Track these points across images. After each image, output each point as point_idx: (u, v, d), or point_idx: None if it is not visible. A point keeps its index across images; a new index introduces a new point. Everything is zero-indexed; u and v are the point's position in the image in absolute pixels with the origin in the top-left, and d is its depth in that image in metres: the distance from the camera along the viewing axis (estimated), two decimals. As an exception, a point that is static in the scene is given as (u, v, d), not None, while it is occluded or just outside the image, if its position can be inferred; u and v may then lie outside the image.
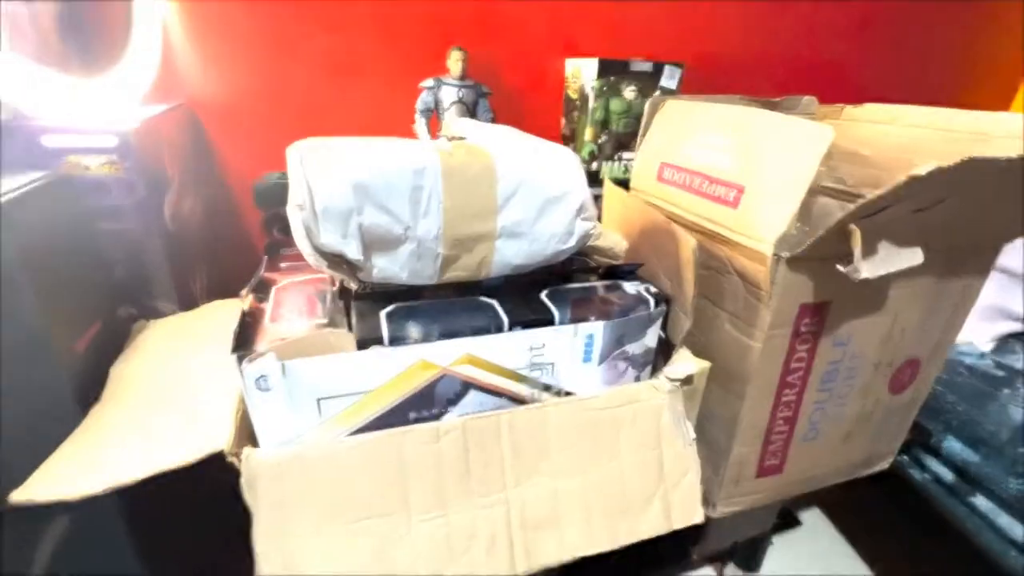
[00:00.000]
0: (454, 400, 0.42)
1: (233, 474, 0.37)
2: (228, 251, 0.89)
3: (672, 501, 0.47)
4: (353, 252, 0.38)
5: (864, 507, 1.04)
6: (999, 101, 1.31)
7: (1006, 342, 0.86)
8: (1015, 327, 0.85)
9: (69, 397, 0.51)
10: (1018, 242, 0.52)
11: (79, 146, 0.57)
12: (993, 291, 0.82)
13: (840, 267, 0.40)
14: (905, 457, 0.80)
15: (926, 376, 0.59)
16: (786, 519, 0.99)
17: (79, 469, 0.44)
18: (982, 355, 0.83)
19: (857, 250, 0.39)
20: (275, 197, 0.59)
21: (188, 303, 0.70)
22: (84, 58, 0.71)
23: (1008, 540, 0.66)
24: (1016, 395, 0.73)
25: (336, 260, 0.39)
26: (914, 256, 0.42)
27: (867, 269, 0.39)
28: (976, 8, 1.17)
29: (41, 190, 0.53)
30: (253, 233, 0.90)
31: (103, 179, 0.58)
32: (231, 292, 0.61)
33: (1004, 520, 0.67)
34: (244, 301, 0.44)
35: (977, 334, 0.85)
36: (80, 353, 0.54)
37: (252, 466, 0.37)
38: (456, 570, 0.40)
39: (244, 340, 0.39)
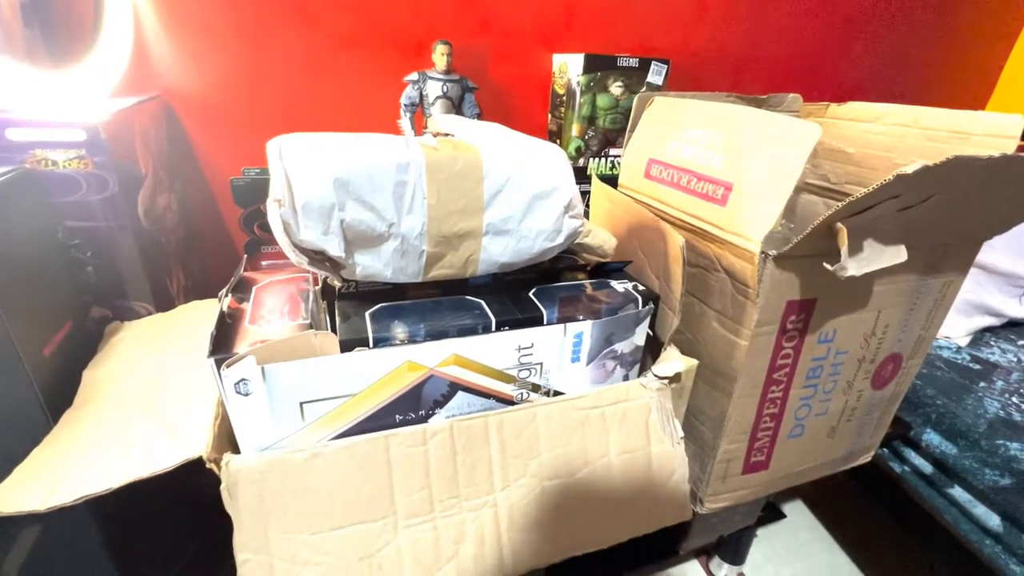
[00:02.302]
0: (441, 402, 0.41)
1: (213, 481, 0.36)
2: (207, 250, 0.87)
3: (660, 499, 0.47)
4: (335, 249, 0.36)
5: (846, 499, 1.06)
6: (976, 100, 1.34)
7: (982, 336, 0.88)
8: (991, 322, 0.88)
9: (37, 403, 0.49)
10: (995, 239, 0.53)
11: (46, 140, 0.54)
12: (969, 287, 0.84)
13: (827, 265, 0.40)
14: (885, 450, 0.81)
15: (908, 371, 0.59)
16: (770, 512, 1.00)
17: (49, 479, 0.42)
18: (959, 349, 0.85)
19: (844, 248, 0.39)
20: (255, 193, 0.58)
21: (164, 304, 0.68)
22: (51, 49, 0.68)
23: (984, 530, 0.68)
24: (992, 388, 0.75)
25: (318, 257, 0.38)
26: (898, 254, 0.42)
27: (853, 267, 0.40)
28: (955, 10, 1.19)
29: (5, 186, 0.50)
30: (233, 231, 0.88)
31: (72, 174, 0.56)
32: (210, 292, 0.59)
33: (980, 510, 0.68)
34: (223, 301, 0.43)
35: (954, 328, 0.87)
36: (49, 357, 0.52)
37: (232, 472, 0.36)
38: (444, 574, 0.40)
39: (223, 343, 0.38)
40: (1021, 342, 0.86)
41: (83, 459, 0.44)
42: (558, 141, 0.92)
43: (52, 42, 0.68)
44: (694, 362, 0.49)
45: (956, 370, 0.80)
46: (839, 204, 0.37)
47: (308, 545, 0.37)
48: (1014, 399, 0.73)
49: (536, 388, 0.45)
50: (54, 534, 0.46)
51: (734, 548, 0.87)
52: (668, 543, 0.81)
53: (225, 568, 0.36)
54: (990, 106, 1.34)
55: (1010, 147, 0.47)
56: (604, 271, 0.52)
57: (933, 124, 0.52)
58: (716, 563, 0.89)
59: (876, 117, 0.58)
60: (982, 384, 0.76)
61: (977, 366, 0.80)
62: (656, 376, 0.47)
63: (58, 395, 0.51)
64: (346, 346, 0.38)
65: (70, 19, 0.69)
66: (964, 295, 0.84)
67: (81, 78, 0.71)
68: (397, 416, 0.40)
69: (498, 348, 0.41)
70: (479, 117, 0.83)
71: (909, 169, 0.33)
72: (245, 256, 0.55)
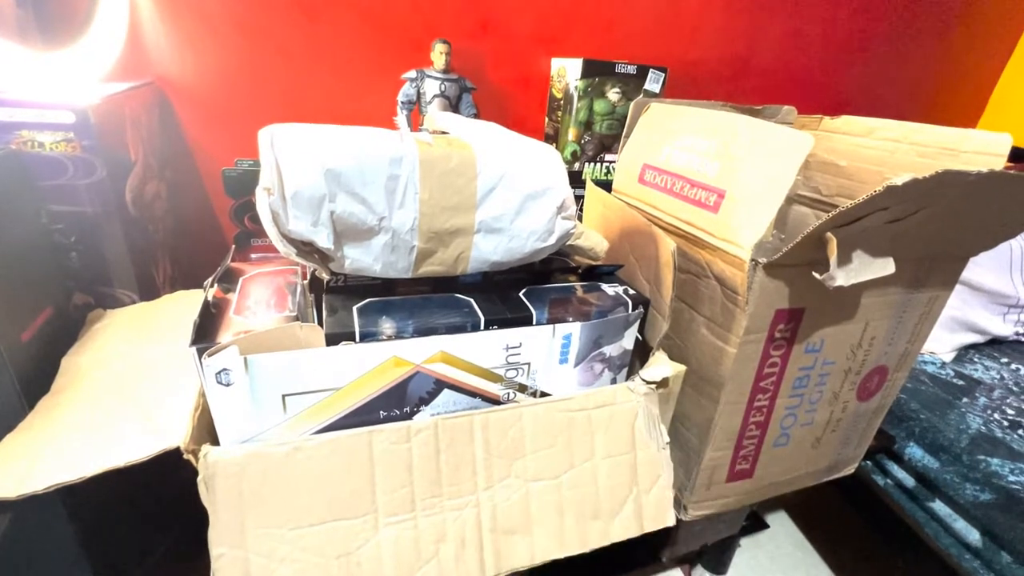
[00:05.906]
0: (426, 399, 0.41)
1: (190, 473, 0.35)
2: (196, 240, 0.86)
3: (644, 504, 0.47)
4: (324, 241, 0.36)
5: (829, 511, 1.07)
6: (968, 118, 1.36)
7: (966, 353, 0.89)
8: (975, 339, 0.89)
9: (13, 389, 0.48)
10: (981, 257, 0.54)
11: (33, 121, 0.53)
12: (955, 303, 0.85)
13: (816, 274, 0.41)
14: (869, 463, 0.82)
15: (893, 384, 0.60)
16: (754, 522, 1.01)
17: (22, 465, 0.41)
18: (943, 365, 0.86)
19: (833, 258, 0.39)
20: (246, 185, 0.57)
21: (149, 293, 0.67)
22: (43, 30, 0.67)
23: (964, 544, 0.69)
24: (975, 404, 0.76)
25: (306, 248, 0.37)
26: (886, 266, 0.43)
27: (842, 277, 0.40)
28: (950, 30, 1.21)
29: (-11, 166, 0.49)
30: (224, 222, 0.87)
31: (58, 157, 0.55)
32: (197, 283, 0.58)
33: (960, 525, 0.69)
34: (208, 291, 0.42)
35: (939, 344, 0.88)
36: (27, 342, 0.51)
37: (211, 464, 0.35)
38: (424, 574, 0.39)
39: (206, 332, 0.37)
40: (1004, 359, 0.87)
41: (58, 447, 0.43)
42: (554, 145, 0.92)
43: (44, 23, 0.67)
44: (682, 368, 0.49)
45: (940, 385, 0.80)
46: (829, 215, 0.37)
47: (286, 541, 0.36)
48: (996, 415, 0.74)
49: (523, 388, 0.44)
50: (25, 522, 0.44)
51: (717, 557, 0.86)
52: (651, 550, 0.81)
53: (200, 562, 0.35)
54: (981, 124, 1.36)
55: (998, 164, 0.47)
56: (595, 274, 0.52)
57: (924, 140, 0.53)
58: (699, 572, 0.89)
59: (868, 131, 0.58)
60: (965, 400, 0.77)
61: (961, 382, 0.81)
62: (643, 380, 0.47)
63: (35, 381, 0.50)
64: (332, 339, 0.37)
65: (63, 0, 0.68)
66: (949, 311, 0.85)
67: (73, 61, 0.70)
68: (381, 412, 0.40)
69: (486, 347, 0.41)
70: (476, 117, 0.83)
71: (899, 181, 0.33)
72: (233, 246, 0.54)
